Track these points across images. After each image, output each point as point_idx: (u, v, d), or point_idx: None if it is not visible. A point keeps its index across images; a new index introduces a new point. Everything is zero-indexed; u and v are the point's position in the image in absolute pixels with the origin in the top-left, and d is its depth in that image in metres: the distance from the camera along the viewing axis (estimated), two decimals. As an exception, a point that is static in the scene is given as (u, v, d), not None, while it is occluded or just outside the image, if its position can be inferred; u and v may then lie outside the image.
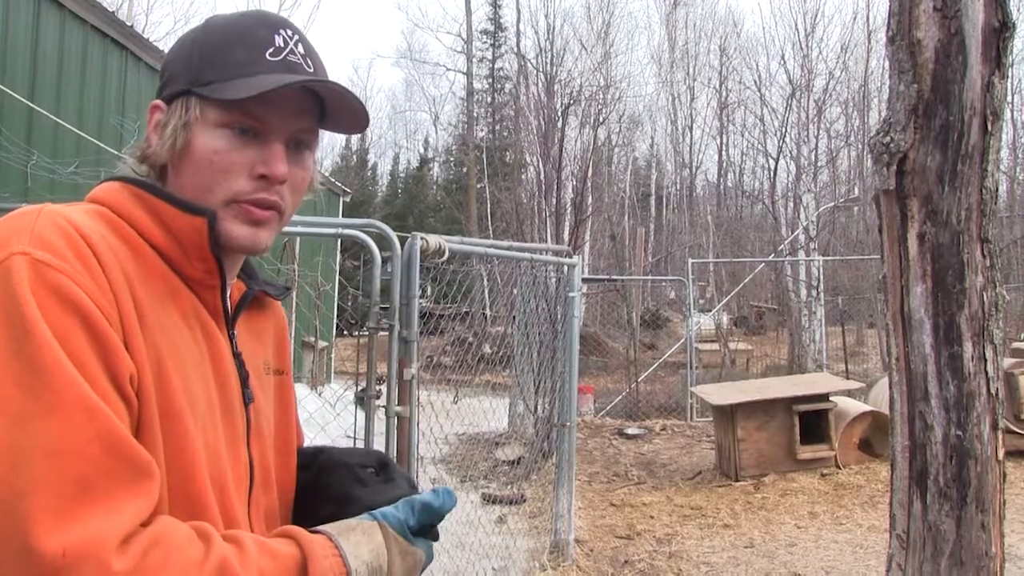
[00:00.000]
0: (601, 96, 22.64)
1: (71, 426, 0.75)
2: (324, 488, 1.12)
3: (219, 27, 1.03)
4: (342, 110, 1.06)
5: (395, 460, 1.15)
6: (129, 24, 8.26)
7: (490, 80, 37.13)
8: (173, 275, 0.96)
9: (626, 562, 5.23)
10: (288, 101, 0.99)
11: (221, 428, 0.97)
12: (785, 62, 21.48)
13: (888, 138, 2.18)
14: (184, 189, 0.99)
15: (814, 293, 13.88)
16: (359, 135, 41.59)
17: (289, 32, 1.03)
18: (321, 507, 1.09)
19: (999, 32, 2.06)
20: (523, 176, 22.47)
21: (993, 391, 2.11)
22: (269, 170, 0.99)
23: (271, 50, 1.00)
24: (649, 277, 22.00)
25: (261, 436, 1.07)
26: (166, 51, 1.15)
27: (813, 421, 7.04)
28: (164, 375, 0.88)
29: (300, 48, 1.03)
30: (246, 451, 1.03)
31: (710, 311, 16.08)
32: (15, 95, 5.95)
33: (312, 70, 1.03)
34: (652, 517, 6.24)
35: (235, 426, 1.01)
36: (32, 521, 0.71)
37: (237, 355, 1.05)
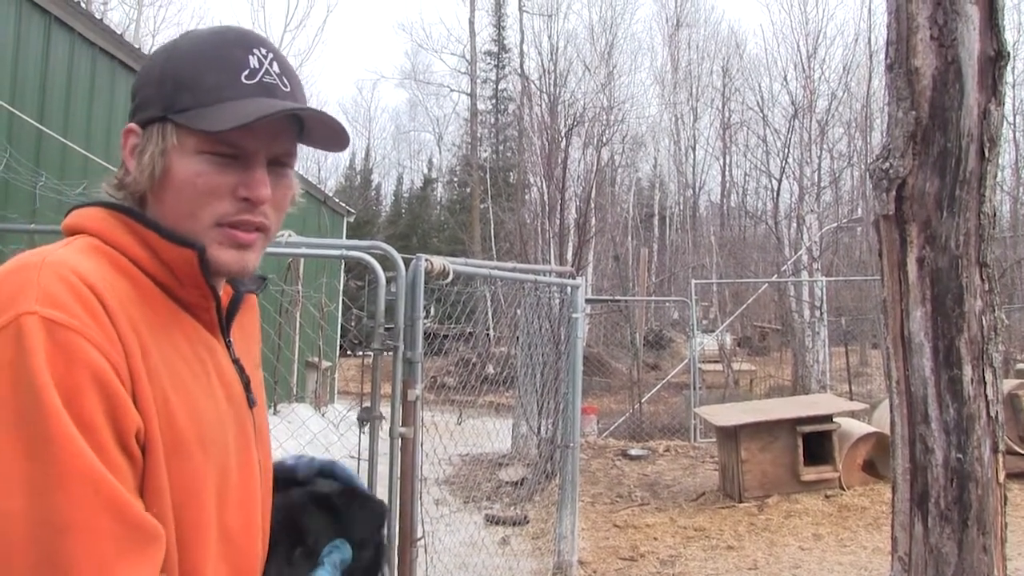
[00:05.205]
0: (604, 117, 22.77)
1: (79, 500, 0.76)
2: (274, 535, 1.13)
3: (190, 48, 1.00)
4: (322, 130, 1.05)
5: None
6: (136, 46, 8.35)
7: (494, 101, 37.35)
8: (170, 300, 0.97)
9: (629, 584, 5.22)
10: (266, 126, 0.97)
11: (233, 441, 1.00)
12: (787, 83, 21.51)
13: (887, 164, 2.21)
14: (166, 216, 0.98)
15: (817, 314, 13.88)
16: (359, 153, 41.84)
17: (264, 51, 1.00)
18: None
19: (995, 61, 2.09)
20: (527, 196, 22.53)
21: (993, 414, 2.13)
22: (252, 194, 0.98)
23: (246, 72, 0.98)
24: (652, 298, 21.96)
25: (263, 437, 1.10)
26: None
27: (817, 442, 7.03)
28: (171, 415, 0.89)
29: (275, 67, 1.01)
30: (255, 454, 1.06)
31: (713, 331, 16.08)
32: (24, 117, 6.02)
33: (289, 89, 1.01)
34: (656, 539, 6.21)
35: (246, 434, 1.04)
36: None
37: (236, 361, 1.06)
